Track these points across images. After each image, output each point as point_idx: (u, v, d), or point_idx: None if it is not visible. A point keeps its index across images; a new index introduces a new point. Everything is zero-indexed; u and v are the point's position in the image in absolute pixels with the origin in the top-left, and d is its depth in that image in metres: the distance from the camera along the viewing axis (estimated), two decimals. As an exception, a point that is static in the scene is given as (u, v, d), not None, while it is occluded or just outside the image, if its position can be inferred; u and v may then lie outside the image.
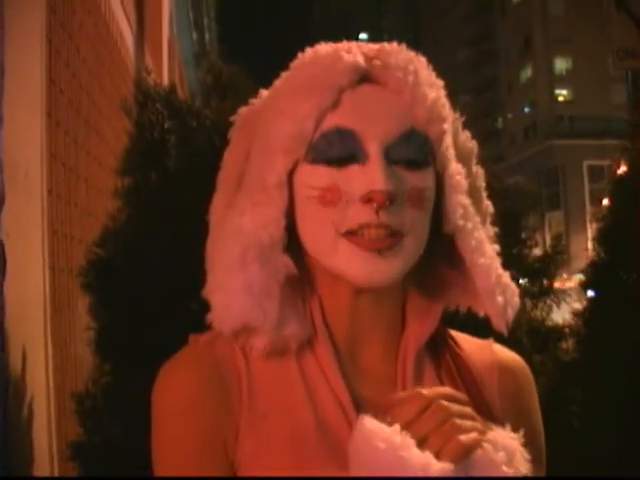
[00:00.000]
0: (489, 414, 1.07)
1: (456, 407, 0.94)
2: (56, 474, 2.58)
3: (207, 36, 17.16)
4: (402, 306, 1.13)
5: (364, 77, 1.05)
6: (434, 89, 1.08)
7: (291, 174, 1.06)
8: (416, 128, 1.05)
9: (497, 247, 1.13)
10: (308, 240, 1.07)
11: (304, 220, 1.07)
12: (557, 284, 3.02)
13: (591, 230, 3.51)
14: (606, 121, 48.33)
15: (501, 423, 1.04)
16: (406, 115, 1.05)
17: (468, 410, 0.96)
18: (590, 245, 3.31)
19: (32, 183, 2.51)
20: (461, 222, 1.08)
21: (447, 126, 1.08)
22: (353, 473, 0.92)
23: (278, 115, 1.07)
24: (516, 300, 1.10)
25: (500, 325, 1.09)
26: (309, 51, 1.11)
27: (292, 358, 1.08)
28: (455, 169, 1.09)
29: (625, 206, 3.24)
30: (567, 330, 3.01)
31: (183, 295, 1.97)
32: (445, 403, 0.94)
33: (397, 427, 0.91)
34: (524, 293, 2.78)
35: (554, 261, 2.96)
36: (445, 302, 1.14)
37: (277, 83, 1.13)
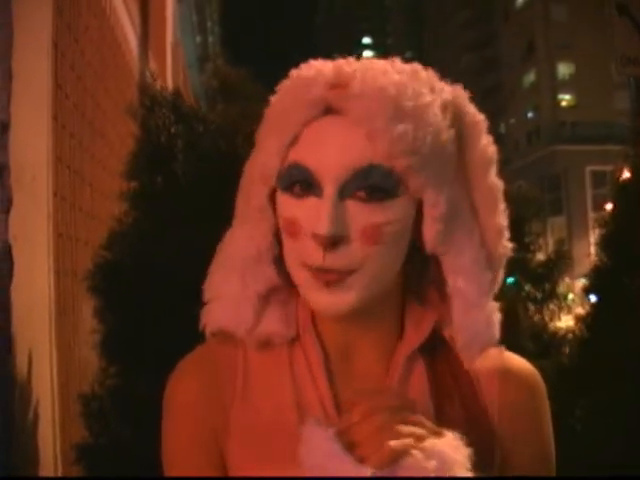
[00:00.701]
0: (482, 423, 1.08)
1: (398, 412, 0.94)
2: (61, 476, 2.58)
3: (210, 39, 17.19)
4: (401, 315, 1.14)
5: (330, 108, 1.03)
6: (405, 120, 1.00)
7: (274, 196, 1.09)
8: (375, 162, 1.00)
9: (489, 274, 1.09)
10: (286, 263, 1.09)
11: (283, 243, 1.09)
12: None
13: (593, 235, 3.51)
14: (609, 127, 48.27)
15: (494, 429, 1.07)
16: (364, 149, 1.01)
17: (414, 416, 0.95)
18: (593, 250, 3.31)
19: (38, 186, 2.52)
20: (442, 248, 1.06)
21: (415, 158, 1.01)
22: (301, 475, 0.95)
23: (257, 144, 1.13)
24: (489, 335, 1.08)
25: (465, 359, 1.09)
26: (293, 73, 1.10)
27: (285, 355, 1.12)
28: (433, 199, 1.04)
29: (628, 211, 3.25)
30: (570, 335, 3.01)
31: (189, 298, 1.98)
32: (387, 408, 0.94)
33: (332, 431, 0.93)
34: (527, 298, 2.79)
35: (557, 266, 2.96)
36: (439, 312, 1.13)
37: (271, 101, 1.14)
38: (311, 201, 1.02)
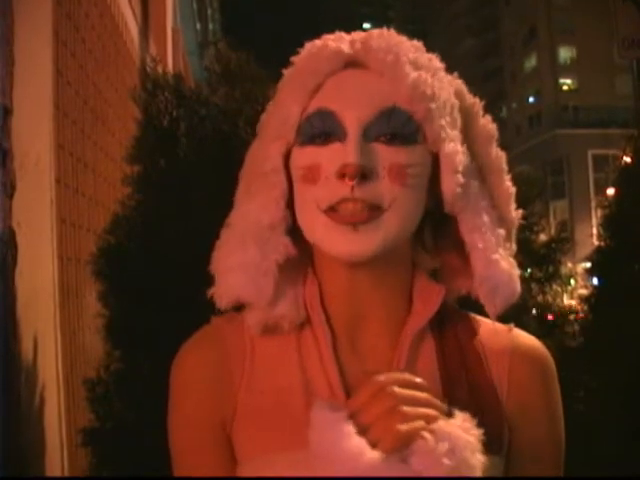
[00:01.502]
0: (490, 400, 1.08)
1: (407, 393, 0.94)
2: (67, 460, 2.60)
3: (211, 26, 17.14)
4: (409, 290, 1.14)
5: (349, 63, 1.08)
6: (420, 69, 1.07)
7: (287, 159, 1.10)
8: (398, 106, 1.05)
9: (502, 231, 1.11)
10: (299, 219, 1.10)
11: (296, 201, 1.10)
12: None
13: (596, 219, 3.52)
14: (611, 110, 48.14)
15: (503, 407, 1.07)
16: (387, 94, 1.05)
17: (423, 396, 0.96)
18: (595, 232, 3.32)
19: (41, 173, 2.53)
20: (460, 203, 1.08)
21: (434, 105, 1.06)
22: (311, 460, 0.94)
23: (271, 107, 1.14)
24: (512, 287, 1.09)
25: (490, 310, 1.10)
26: (307, 44, 1.14)
27: (293, 337, 1.11)
28: (451, 149, 1.07)
29: (630, 194, 3.26)
30: (573, 315, 3.02)
31: (193, 281, 1.99)
32: (396, 390, 0.94)
33: (342, 414, 0.93)
34: (530, 279, 2.79)
35: (559, 247, 2.97)
36: (449, 285, 1.14)
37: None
38: (335, 146, 1.04)
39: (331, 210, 1.03)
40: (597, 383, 2.94)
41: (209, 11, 16.63)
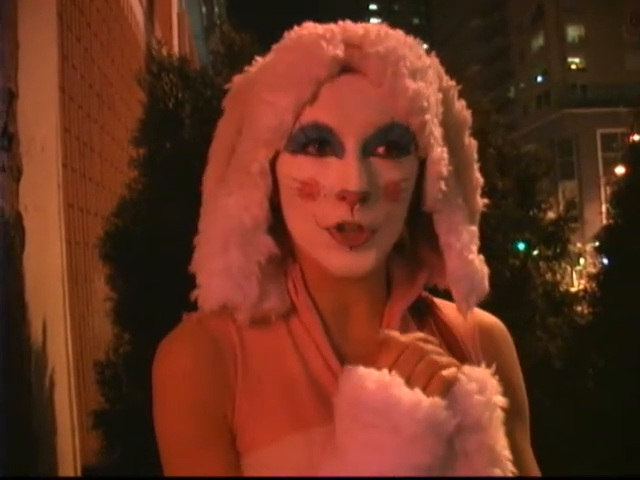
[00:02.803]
0: None
1: (429, 346, 1.00)
2: (78, 443, 2.62)
3: (216, 10, 17.09)
4: (387, 276, 1.16)
5: (345, 67, 1.04)
6: (417, 78, 1.05)
7: (274, 161, 1.08)
8: (396, 120, 1.04)
9: (475, 228, 1.14)
10: (292, 228, 1.09)
11: (288, 209, 1.08)
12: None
13: (605, 198, 3.52)
14: (619, 89, 47.86)
15: None
16: (385, 107, 1.04)
17: (441, 350, 1.01)
18: (604, 209, 3.32)
19: (47, 157, 2.53)
20: (439, 205, 1.09)
21: (429, 116, 1.06)
22: (341, 422, 0.96)
23: (261, 104, 1.07)
24: (483, 286, 1.13)
25: (462, 309, 1.13)
26: (293, 33, 1.10)
27: (282, 327, 1.11)
28: (438, 155, 1.08)
29: (639, 172, 3.25)
30: (582, 293, 3.03)
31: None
32: (420, 344, 0.99)
33: (385, 370, 0.95)
34: (539, 257, 2.79)
35: (568, 225, 2.97)
36: (426, 275, 1.16)
37: (265, 61, 1.13)
38: (330, 160, 1.03)
39: (332, 229, 1.03)
40: (606, 361, 2.94)
41: (214, -6, 16.58)
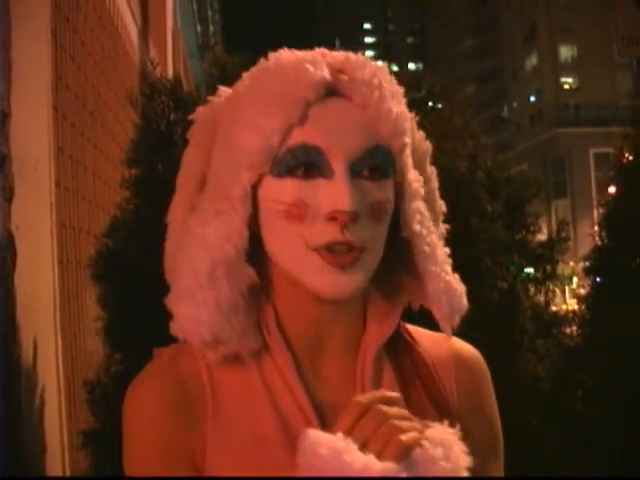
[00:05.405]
0: (445, 406, 1.11)
1: (393, 409, 0.96)
2: (67, 462, 2.61)
3: (211, 28, 17.16)
4: (363, 309, 1.15)
5: (330, 90, 1.06)
6: (397, 101, 1.09)
7: (255, 186, 1.07)
8: (380, 142, 1.06)
9: (447, 250, 1.15)
10: (277, 253, 1.08)
11: (271, 233, 1.08)
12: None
13: (597, 217, 3.53)
14: (612, 108, 48.15)
15: (457, 414, 1.10)
16: (371, 130, 1.06)
17: (404, 411, 0.98)
18: (596, 229, 3.33)
19: (40, 177, 2.53)
20: (417, 227, 1.10)
21: (408, 139, 1.10)
22: None
23: (245, 129, 1.06)
24: (463, 304, 1.14)
25: (446, 329, 1.14)
26: (272, 59, 1.10)
27: (253, 366, 1.09)
28: (413, 177, 1.12)
29: (630, 192, 3.26)
30: (571, 315, 3.03)
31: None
32: (382, 406, 0.96)
33: (339, 434, 0.93)
34: (527, 279, 2.80)
35: (557, 247, 2.98)
36: (403, 304, 1.17)
37: (239, 89, 1.12)
38: (318, 182, 1.03)
39: (321, 249, 1.03)
40: (595, 382, 2.94)
41: (209, 13, 16.65)
